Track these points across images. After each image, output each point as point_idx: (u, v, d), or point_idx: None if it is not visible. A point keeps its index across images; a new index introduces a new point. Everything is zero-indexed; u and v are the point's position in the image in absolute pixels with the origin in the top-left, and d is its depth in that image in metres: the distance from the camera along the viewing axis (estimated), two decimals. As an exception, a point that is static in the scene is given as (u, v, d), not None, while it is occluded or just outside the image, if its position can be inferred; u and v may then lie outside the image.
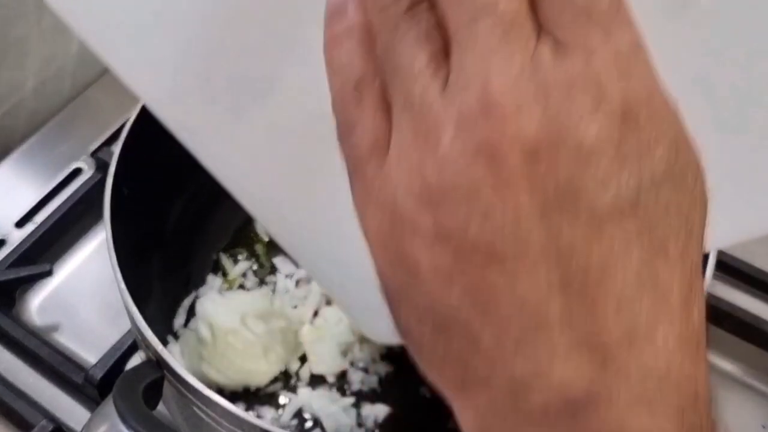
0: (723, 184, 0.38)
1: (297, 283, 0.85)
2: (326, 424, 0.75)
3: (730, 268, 0.87)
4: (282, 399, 0.78)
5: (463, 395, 0.34)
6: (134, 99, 0.74)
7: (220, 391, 0.77)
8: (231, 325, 0.75)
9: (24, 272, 0.86)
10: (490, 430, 0.33)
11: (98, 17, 0.45)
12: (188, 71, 0.47)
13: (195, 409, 0.62)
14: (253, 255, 0.87)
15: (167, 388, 0.63)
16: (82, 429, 0.60)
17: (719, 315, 0.83)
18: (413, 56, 0.31)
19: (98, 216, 0.84)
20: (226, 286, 0.85)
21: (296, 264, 0.86)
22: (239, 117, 0.49)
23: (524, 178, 0.29)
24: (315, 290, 0.83)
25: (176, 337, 0.79)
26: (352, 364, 0.80)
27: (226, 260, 0.86)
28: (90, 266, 0.91)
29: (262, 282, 0.85)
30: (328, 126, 0.37)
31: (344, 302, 0.64)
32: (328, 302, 0.83)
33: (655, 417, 0.31)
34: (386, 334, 0.48)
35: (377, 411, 0.77)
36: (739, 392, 0.82)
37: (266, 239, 0.88)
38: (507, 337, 0.31)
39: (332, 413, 0.76)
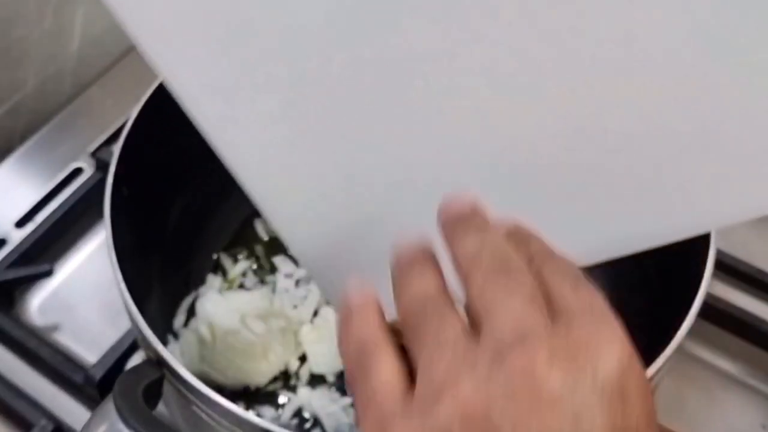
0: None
1: (297, 282, 0.85)
2: (326, 423, 0.76)
3: (729, 268, 0.87)
4: (282, 398, 0.78)
5: None
6: (135, 99, 0.75)
7: (220, 390, 0.76)
8: (231, 325, 0.75)
9: (24, 272, 0.86)
10: None
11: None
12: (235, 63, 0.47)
13: (195, 408, 0.62)
14: (252, 255, 0.87)
15: (167, 388, 0.63)
16: (82, 428, 0.60)
17: (718, 314, 0.83)
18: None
19: (98, 216, 0.83)
20: (226, 285, 0.85)
21: (296, 263, 0.86)
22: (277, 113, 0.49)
23: None
24: (315, 290, 0.84)
25: (176, 336, 0.80)
26: (351, 363, 0.80)
27: (226, 260, 0.87)
28: (90, 266, 0.91)
29: (262, 282, 0.86)
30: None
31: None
32: (328, 302, 0.83)
33: None
34: None
35: (377, 410, 0.77)
36: (738, 392, 0.83)
37: (266, 239, 0.89)
38: None
39: (332, 412, 0.76)
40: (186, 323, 0.81)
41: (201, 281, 0.85)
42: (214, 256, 0.87)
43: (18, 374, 0.82)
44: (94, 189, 0.92)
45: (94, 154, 0.97)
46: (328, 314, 0.82)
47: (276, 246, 0.88)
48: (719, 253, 0.83)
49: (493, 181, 0.50)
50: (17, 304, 0.87)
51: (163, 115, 0.77)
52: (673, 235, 0.52)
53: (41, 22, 0.97)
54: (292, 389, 0.78)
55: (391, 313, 0.77)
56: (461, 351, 0.38)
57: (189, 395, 0.61)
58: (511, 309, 0.38)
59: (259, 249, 0.88)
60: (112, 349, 0.79)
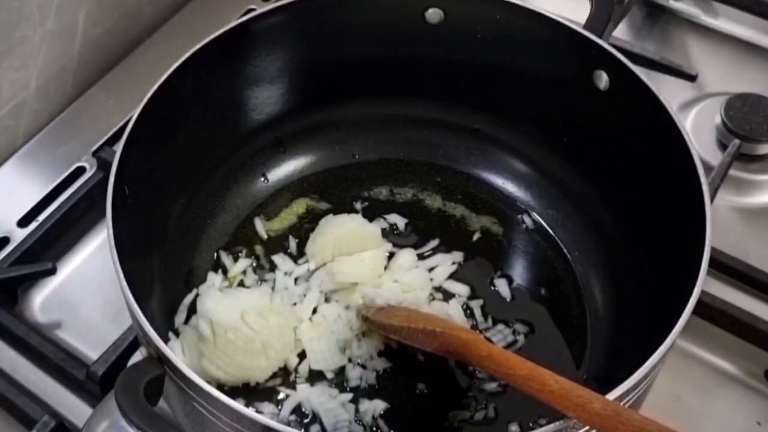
0: None
1: (296, 280, 0.86)
2: (325, 419, 0.76)
3: (724, 266, 0.88)
4: (281, 395, 0.78)
5: None
6: (136, 99, 0.76)
7: (220, 386, 0.77)
8: (231, 322, 0.76)
9: (26, 270, 0.87)
10: None
11: None
12: None
13: (195, 404, 0.63)
14: (252, 253, 0.88)
15: (168, 384, 0.64)
16: (84, 425, 0.60)
17: (713, 312, 0.84)
18: None
19: (100, 214, 0.85)
20: (226, 283, 0.85)
21: (295, 261, 0.87)
22: None
23: None
24: (314, 288, 0.84)
25: (177, 334, 0.80)
26: (350, 360, 0.80)
27: (226, 258, 0.87)
28: (92, 264, 0.91)
29: (261, 280, 0.86)
30: None
31: None
32: (327, 299, 0.84)
33: None
34: None
35: (375, 406, 0.77)
36: (734, 389, 0.83)
37: (265, 237, 0.89)
38: None
39: (331, 408, 0.77)
40: (187, 320, 0.82)
41: (201, 279, 0.85)
42: (215, 255, 0.87)
43: (21, 371, 0.82)
44: (96, 188, 0.93)
45: (96, 153, 0.98)
46: (327, 311, 0.82)
47: (275, 244, 0.89)
48: (714, 252, 0.83)
49: None
50: (20, 301, 0.88)
51: (164, 115, 0.78)
52: None
53: (44, 23, 0.97)
54: (292, 385, 0.79)
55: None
56: None
57: (189, 392, 0.62)
58: None
59: (258, 247, 0.88)
60: (114, 346, 0.80)
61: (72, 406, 0.80)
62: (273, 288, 0.85)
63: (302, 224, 0.91)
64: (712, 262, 0.85)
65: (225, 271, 0.86)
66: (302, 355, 0.80)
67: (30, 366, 0.83)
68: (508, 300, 0.85)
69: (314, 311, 0.83)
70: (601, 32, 0.86)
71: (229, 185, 0.91)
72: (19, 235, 0.92)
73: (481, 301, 0.85)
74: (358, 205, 0.92)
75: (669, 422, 0.57)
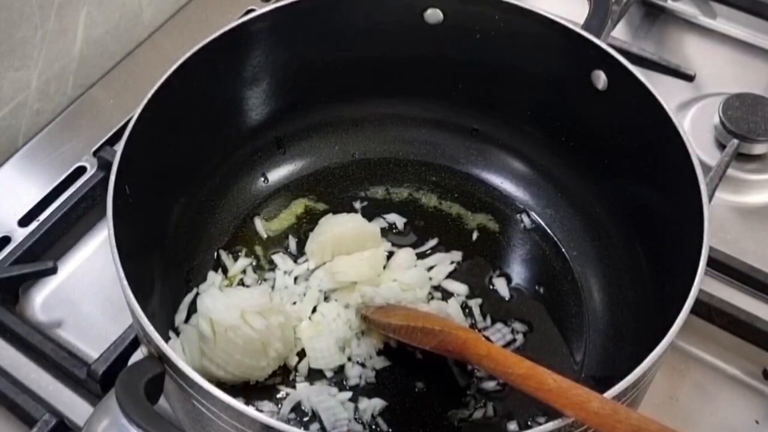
0: None
1: (295, 280, 0.86)
2: (324, 417, 0.76)
3: (722, 265, 0.88)
4: (281, 393, 0.79)
5: None
6: (136, 99, 0.76)
7: (220, 385, 0.77)
8: (231, 321, 0.76)
9: (27, 269, 0.87)
10: None
11: None
12: None
13: (195, 403, 0.63)
14: (252, 253, 0.88)
15: (168, 383, 0.64)
16: (85, 423, 0.61)
17: (712, 312, 0.84)
18: None
19: (101, 214, 0.85)
20: (226, 283, 0.85)
21: (295, 261, 0.87)
22: None
23: None
24: (313, 287, 0.85)
25: (177, 332, 0.80)
26: (349, 359, 0.81)
27: (226, 258, 0.87)
28: (93, 263, 0.91)
29: (261, 279, 0.86)
30: None
31: None
32: (326, 298, 0.84)
33: None
34: None
35: (374, 405, 0.77)
36: (732, 388, 0.83)
37: (265, 237, 0.90)
38: None
39: (330, 407, 0.77)
40: (187, 319, 0.82)
41: (202, 278, 0.85)
42: (215, 254, 0.88)
43: (21, 370, 0.83)
44: (97, 188, 0.93)
45: (96, 153, 0.98)
46: (326, 310, 0.83)
47: (275, 244, 0.89)
48: (712, 251, 0.84)
49: None
50: (21, 300, 0.88)
51: (165, 115, 0.78)
52: None
53: (44, 24, 0.98)
54: (291, 384, 0.79)
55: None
56: None
57: (190, 390, 0.62)
58: None
59: (258, 247, 0.89)
60: (115, 345, 0.80)
61: (73, 404, 0.80)
62: (273, 287, 0.85)
63: (301, 224, 0.91)
64: (711, 262, 0.85)
65: (225, 271, 0.87)
66: (302, 354, 0.81)
67: (31, 365, 0.83)
68: (506, 299, 0.86)
69: (314, 310, 0.83)
70: (599, 32, 0.86)
71: (229, 185, 0.91)
72: (19, 234, 0.92)
73: (479, 300, 0.85)
74: (357, 205, 0.92)
75: (667, 421, 0.58)
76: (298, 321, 0.82)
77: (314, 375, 0.80)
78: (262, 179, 0.93)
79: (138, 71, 1.09)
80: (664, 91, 0.77)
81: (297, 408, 0.78)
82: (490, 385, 0.79)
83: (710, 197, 0.83)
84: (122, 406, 0.58)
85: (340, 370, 0.80)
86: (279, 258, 0.87)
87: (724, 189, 0.96)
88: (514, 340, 0.82)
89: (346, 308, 0.83)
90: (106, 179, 0.72)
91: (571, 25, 0.82)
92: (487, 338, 0.82)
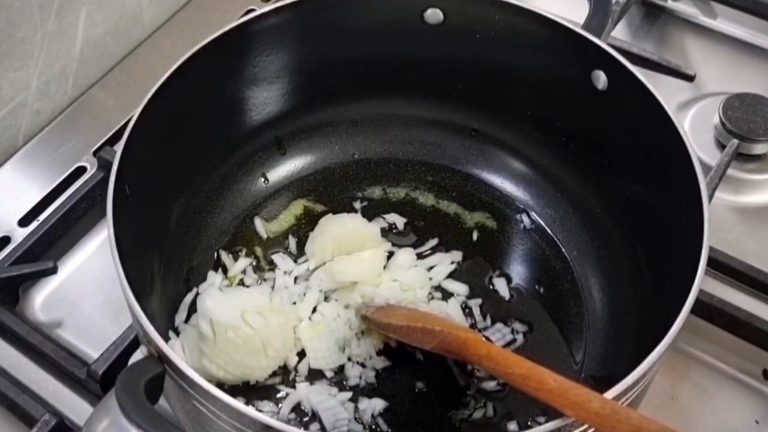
0: None
1: (295, 280, 0.86)
2: (324, 417, 0.76)
3: (722, 265, 0.88)
4: (281, 393, 0.79)
5: None
6: (136, 99, 0.76)
7: (220, 385, 0.78)
8: (231, 321, 0.76)
9: (27, 269, 0.87)
10: None
11: None
12: None
13: (195, 403, 0.63)
14: (252, 253, 0.88)
15: (168, 383, 0.64)
16: (85, 423, 0.60)
17: (712, 311, 0.84)
18: None
19: (101, 214, 0.85)
20: (226, 282, 0.86)
21: (295, 261, 0.87)
22: None
23: None
24: (313, 287, 0.85)
25: (177, 332, 0.80)
26: (349, 359, 0.81)
27: (226, 258, 0.87)
28: (93, 263, 0.92)
29: (261, 279, 0.86)
30: None
31: None
32: (326, 299, 0.84)
33: None
34: None
35: (374, 405, 0.78)
36: (732, 388, 0.83)
37: (265, 237, 0.90)
38: None
39: (330, 407, 0.77)
40: (187, 319, 0.82)
41: (202, 278, 0.85)
42: (215, 254, 0.88)
43: (21, 370, 0.83)
44: (97, 188, 0.93)
45: (96, 153, 0.98)
46: (326, 310, 0.83)
47: (275, 244, 0.89)
48: (712, 251, 0.84)
49: None
50: (21, 300, 0.88)
51: (164, 115, 0.78)
52: None
53: (44, 24, 0.98)
54: (291, 384, 0.79)
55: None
56: None
57: (190, 390, 0.62)
58: None
59: (258, 247, 0.89)
60: (115, 345, 0.80)
61: (73, 404, 0.80)
62: (273, 287, 0.85)
63: (301, 224, 0.91)
64: (711, 262, 0.85)
65: (225, 271, 0.87)
66: (302, 354, 0.81)
67: (31, 365, 0.83)
68: (506, 299, 0.86)
69: (314, 310, 0.83)
70: (599, 32, 0.86)
71: (229, 185, 0.91)
72: (20, 234, 0.92)
73: (479, 300, 0.85)
74: (357, 205, 0.92)
75: (667, 421, 0.58)
76: (298, 321, 0.82)
77: (314, 375, 0.80)
78: (262, 179, 0.93)
79: (138, 71, 1.09)
80: (665, 90, 0.77)
81: (297, 408, 0.78)
82: (490, 385, 0.79)
83: (710, 197, 0.83)
84: (122, 406, 0.58)
85: (340, 370, 0.80)
86: (279, 258, 0.87)
87: (724, 189, 0.96)
88: (514, 340, 0.82)
89: (346, 308, 0.83)
90: (106, 179, 0.72)
91: (571, 25, 0.82)
92: (487, 338, 0.82)
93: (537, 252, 0.89)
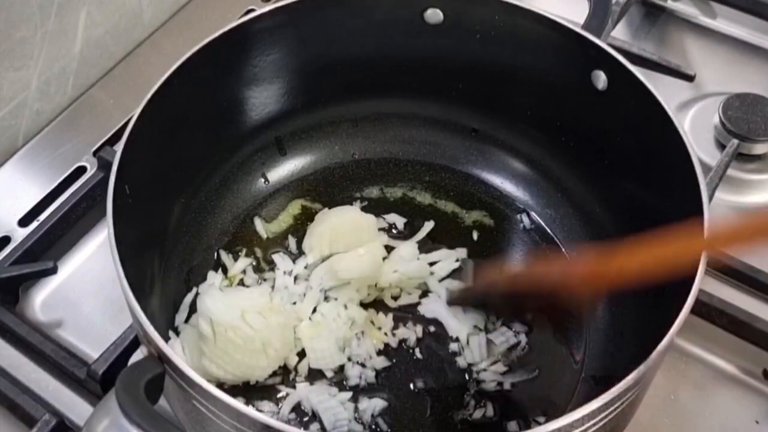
0: None
1: (295, 279, 0.86)
2: (324, 417, 0.76)
3: (722, 265, 0.88)
4: (281, 393, 0.79)
5: None
6: (136, 99, 0.76)
7: (221, 385, 0.78)
8: (231, 321, 0.76)
9: (27, 269, 0.87)
10: None
11: None
12: None
13: (195, 403, 0.63)
14: (252, 253, 0.88)
15: (168, 383, 0.64)
16: (85, 423, 0.60)
17: (712, 311, 0.84)
18: None
19: (101, 214, 0.85)
20: (226, 282, 0.86)
21: (294, 261, 0.87)
22: None
23: None
24: (314, 287, 0.85)
25: (177, 332, 0.80)
26: (349, 359, 0.81)
27: (226, 257, 0.87)
28: (93, 263, 0.92)
29: (261, 279, 0.86)
30: None
31: None
32: (326, 298, 0.84)
33: None
34: None
35: (374, 405, 0.78)
36: (732, 388, 0.83)
37: (265, 237, 0.90)
38: None
39: (330, 407, 0.77)
40: (187, 319, 0.82)
41: (202, 278, 0.85)
42: (215, 254, 0.88)
43: (22, 370, 0.83)
44: (97, 187, 0.93)
45: (96, 153, 0.98)
46: (326, 310, 0.83)
47: (275, 243, 0.89)
48: (712, 251, 0.83)
49: None
50: (21, 300, 0.88)
51: (164, 115, 0.78)
52: None
53: (44, 24, 0.98)
54: (291, 384, 0.79)
55: None
56: None
57: (190, 390, 0.62)
58: None
59: (258, 247, 0.89)
60: (115, 345, 0.80)
61: (73, 404, 0.80)
62: (273, 287, 0.85)
63: (301, 224, 0.91)
64: (710, 261, 0.85)
65: (225, 271, 0.87)
66: (302, 354, 0.81)
67: (31, 365, 0.83)
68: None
69: (314, 310, 0.83)
70: (599, 32, 0.86)
71: (229, 185, 0.91)
72: (20, 234, 0.92)
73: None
74: (356, 205, 0.92)
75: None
76: (298, 321, 0.82)
77: (314, 375, 0.80)
78: (262, 179, 0.93)
79: (138, 71, 1.09)
80: (664, 91, 0.77)
81: (297, 408, 0.78)
82: (491, 385, 0.79)
83: (710, 197, 0.83)
84: (122, 406, 0.58)
85: (340, 370, 0.80)
86: (279, 258, 0.87)
87: (724, 189, 0.96)
88: (518, 342, 0.82)
89: (345, 308, 0.83)
90: (106, 179, 0.72)
91: (571, 25, 0.82)
92: (491, 341, 0.82)
93: (537, 252, 0.89)
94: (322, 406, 0.77)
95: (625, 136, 0.82)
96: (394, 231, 0.91)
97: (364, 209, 0.92)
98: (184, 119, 0.82)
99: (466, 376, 0.80)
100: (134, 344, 0.80)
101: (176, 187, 0.84)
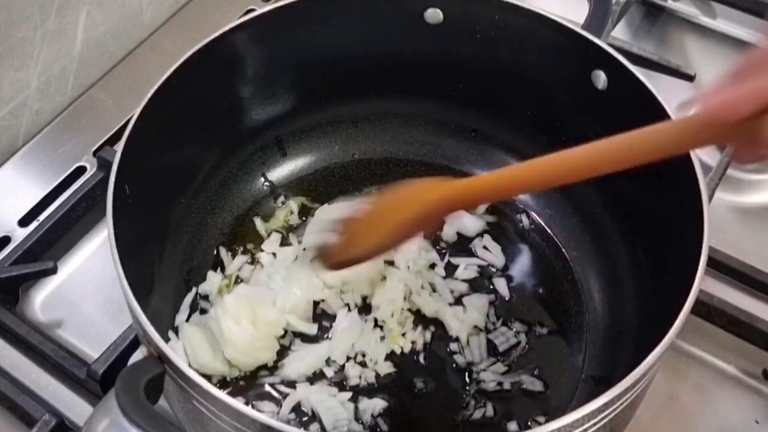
0: None
1: (294, 279, 0.86)
2: (324, 418, 0.76)
3: (722, 266, 0.88)
4: (281, 393, 0.79)
5: None
6: (136, 99, 0.76)
7: (223, 381, 0.78)
8: (235, 317, 0.77)
9: (27, 269, 0.87)
10: None
11: None
12: None
13: (195, 403, 0.63)
14: (252, 252, 0.88)
15: (168, 383, 0.64)
16: (85, 423, 0.61)
17: (712, 312, 0.84)
18: None
19: (101, 214, 0.84)
20: (226, 282, 0.85)
21: (293, 260, 0.87)
22: None
23: None
24: (312, 285, 0.84)
25: (177, 332, 0.80)
26: (349, 358, 0.81)
27: (226, 257, 0.87)
28: (93, 263, 0.92)
29: (260, 278, 0.86)
30: None
31: None
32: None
33: None
34: None
35: (374, 405, 0.78)
36: (732, 388, 0.83)
37: (265, 236, 0.89)
38: None
39: (330, 407, 0.77)
40: (187, 319, 0.82)
41: (202, 278, 0.85)
42: (215, 254, 0.88)
43: (21, 370, 0.83)
44: (97, 187, 0.93)
45: (96, 153, 0.98)
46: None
47: (274, 243, 0.89)
48: (712, 251, 0.84)
49: None
50: (21, 300, 0.88)
51: (164, 115, 0.78)
52: None
53: (44, 24, 0.98)
54: (291, 384, 0.79)
55: None
56: None
57: (189, 390, 0.62)
58: None
59: (258, 246, 0.89)
60: (115, 345, 0.80)
61: (72, 404, 0.81)
62: (272, 287, 0.85)
63: (301, 222, 0.91)
64: (710, 262, 0.85)
65: (224, 270, 0.87)
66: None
67: (31, 365, 0.83)
68: (506, 299, 0.86)
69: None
70: (599, 32, 0.86)
71: (229, 185, 0.91)
72: (20, 234, 0.92)
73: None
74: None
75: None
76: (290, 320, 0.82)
77: (315, 375, 0.80)
78: (263, 179, 0.93)
79: (138, 71, 1.09)
80: (664, 90, 0.77)
81: (297, 408, 0.78)
82: (491, 385, 0.79)
83: (710, 197, 0.83)
84: (122, 406, 0.58)
85: (340, 369, 0.80)
86: (278, 257, 0.87)
87: (724, 189, 0.95)
88: (519, 342, 0.82)
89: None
90: (106, 179, 0.72)
91: (571, 25, 0.82)
92: (491, 341, 0.82)
93: (537, 252, 0.89)
94: (322, 406, 0.77)
95: (626, 136, 0.82)
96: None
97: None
98: (185, 119, 0.82)
99: (466, 376, 0.80)
100: (134, 344, 0.80)
101: (176, 187, 0.84)
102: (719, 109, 0.56)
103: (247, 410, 0.59)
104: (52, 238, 0.91)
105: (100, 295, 0.88)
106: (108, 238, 0.67)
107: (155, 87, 0.77)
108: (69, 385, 0.82)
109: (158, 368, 0.63)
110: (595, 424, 0.61)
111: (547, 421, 0.60)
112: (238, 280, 0.86)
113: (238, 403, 0.59)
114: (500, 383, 0.79)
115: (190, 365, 0.70)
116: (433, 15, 0.87)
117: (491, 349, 0.82)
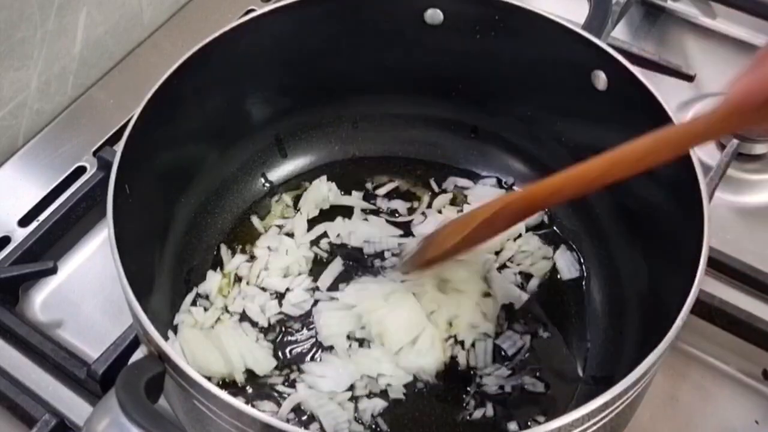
0: None
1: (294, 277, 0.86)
2: (324, 422, 0.76)
3: (722, 265, 0.88)
4: (281, 393, 0.78)
5: None
6: (136, 99, 0.76)
7: (222, 381, 0.78)
8: (235, 318, 0.77)
9: (27, 269, 0.87)
10: None
11: None
12: None
13: (196, 402, 0.63)
14: (251, 251, 0.88)
15: (168, 382, 0.64)
16: (85, 422, 0.61)
17: (712, 312, 0.84)
18: None
19: (101, 214, 0.85)
20: (226, 281, 0.85)
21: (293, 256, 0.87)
22: None
23: None
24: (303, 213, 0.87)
25: (177, 332, 0.80)
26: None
27: (226, 257, 0.87)
28: (93, 263, 0.92)
29: (258, 276, 0.86)
30: None
31: None
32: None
33: None
34: None
35: (374, 405, 0.77)
36: (732, 388, 0.83)
37: (263, 231, 0.89)
38: None
39: (330, 411, 0.76)
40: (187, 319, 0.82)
41: (202, 278, 0.85)
42: (215, 253, 0.88)
43: (21, 370, 0.83)
44: (97, 187, 0.93)
45: (96, 153, 0.98)
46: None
47: (273, 240, 0.89)
48: (712, 251, 0.83)
49: None
50: (21, 300, 0.88)
51: (164, 115, 0.78)
52: None
53: (44, 24, 0.98)
54: (291, 384, 0.79)
55: None
56: None
57: (190, 389, 0.62)
58: None
59: (257, 245, 0.88)
60: (115, 344, 0.80)
61: (73, 404, 0.81)
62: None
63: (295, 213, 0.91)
64: (711, 262, 0.85)
65: (223, 269, 0.86)
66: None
67: (31, 365, 0.83)
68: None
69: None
70: (599, 32, 0.86)
71: (229, 185, 0.91)
72: (19, 234, 0.92)
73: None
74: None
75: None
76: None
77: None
78: (262, 179, 0.93)
79: (138, 71, 1.09)
80: (664, 91, 0.77)
81: (297, 408, 0.78)
82: (491, 386, 0.79)
83: (710, 197, 0.83)
84: (122, 405, 0.58)
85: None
86: (277, 256, 0.87)
87: (724, 189, 0.96)
88: (524, 344, 0.82)
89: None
90: (106, 179, 0.72)
91: (571, 25, 0.82)
92: (498, 346, 0.82)
93: (537, 252, 0.89)
94: (322, 411, 0.76)
95: (625, 136, 0.82)
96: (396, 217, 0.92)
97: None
98: (184, 119, 0.82)
99: (467, 376, 0.80)
100: (134, 344, 0.80)
101: (176, 187, 0.84)
102: (744, 93, 0.59)
103: (248, 409, 0.59)
104: (52, 238, 0.91)
105: (100, 295, 0.88)
106: (108, 237, 0.67)
107: (155, 87, 0.77)
108: (69, 385, 0.82)
109: (158, 367, 0.63)
110: (595, 424, 0.61)
111: (547, 421, 0.60)
112: (237, 278, 0.86)
113: (238, 402, 0.59)
114: (501, 385, 0.79)
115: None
116: (433, 15, 0.87)
117: (497, 353, 0.81)
